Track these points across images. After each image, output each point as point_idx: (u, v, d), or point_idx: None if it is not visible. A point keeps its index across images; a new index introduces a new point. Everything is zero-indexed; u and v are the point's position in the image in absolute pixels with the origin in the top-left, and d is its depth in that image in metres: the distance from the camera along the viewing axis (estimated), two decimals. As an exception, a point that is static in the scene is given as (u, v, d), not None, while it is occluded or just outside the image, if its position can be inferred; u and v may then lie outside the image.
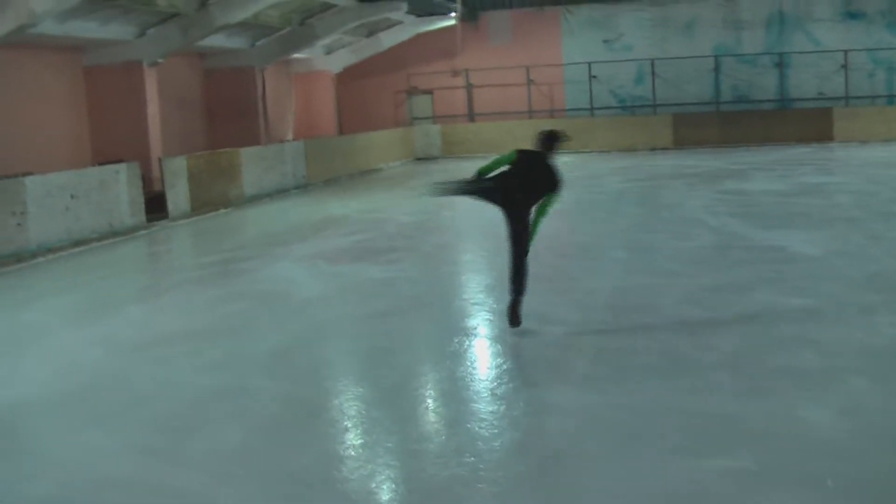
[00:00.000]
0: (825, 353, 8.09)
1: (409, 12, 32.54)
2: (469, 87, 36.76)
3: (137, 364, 8.92)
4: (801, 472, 5.64)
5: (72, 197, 16.42)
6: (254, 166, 23.01)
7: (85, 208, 16.73)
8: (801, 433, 6.26)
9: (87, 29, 21.13)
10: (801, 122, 32.33)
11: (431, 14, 34.82)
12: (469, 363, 8.51)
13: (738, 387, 7.29)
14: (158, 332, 10.18)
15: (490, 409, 7.12)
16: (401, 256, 14.45)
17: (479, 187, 9.05)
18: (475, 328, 9.74)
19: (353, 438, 6.73)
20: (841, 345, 8.37)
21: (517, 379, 7.91)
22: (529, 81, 35.85)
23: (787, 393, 7.10)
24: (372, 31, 34.78)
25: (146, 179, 19.36)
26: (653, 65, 34.91)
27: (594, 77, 35.28)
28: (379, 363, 8.59)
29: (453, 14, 35.10)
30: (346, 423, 7.07)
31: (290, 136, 32.66)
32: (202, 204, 20.42)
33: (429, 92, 37.47)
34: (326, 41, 32.40)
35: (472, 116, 36.70)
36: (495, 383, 7.77)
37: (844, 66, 33.46)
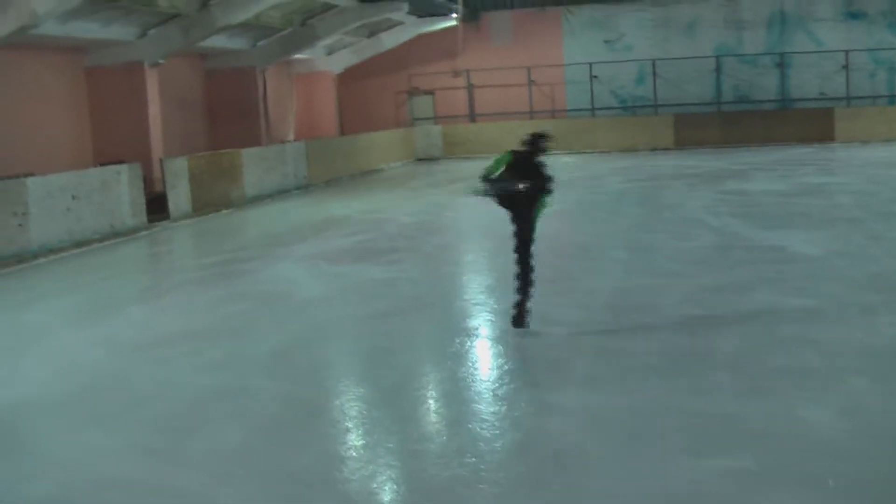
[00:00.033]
0: (826, 353, 8.10)
1: (411, 13, 32.53)
2: (470, 88, 36.75)
3: (138, 364, 8.92)
4: (802, 473, 5.65)
5: (73, 198, 16.43)
6: (255, 167, 23.01)
7: (86, 209, 16.73)
8: (801, 433, 6.26)
9: (89, 30, 21.13)
10: (802, 122, 32.32)
11: (432, 14, 34.81)
12: (470, 364, 8.51)
13: (739, 387, 7.29)
14: (159, 333, 10.19)
15: (491, 409, 7.13)
16: (402, 257, 14.45)
17: (501, 186, 9.06)
18: (476, 329, 9.74)
19: (353, 439, 6.73)
20: (841, 345, 8.37)
21: (518, 379, 7.91)
22: (531, 82, 35.85)
23: (788, 393, 7.10)
24: (373, 31, 34.78)
25: (147, 180, 19.36)
26: (654, 65, 34.90)
27: (595, 77, 35.27)
28: (380, 363, 8.59)
29: (454, 14, 35.09)
30: (346, 423, 7.08)
31: (291, 136, 32.65)
32: (203, 204, 20.42)
33: (430, 92, 37.46)
34: (328, 42, 32.40)
35: (473, 117, 36.69)
36: (496, 384, 7.78)
37: (846, 67, 33.45)
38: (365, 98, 37.46)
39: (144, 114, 22.89)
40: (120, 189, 17.71)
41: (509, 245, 9.20)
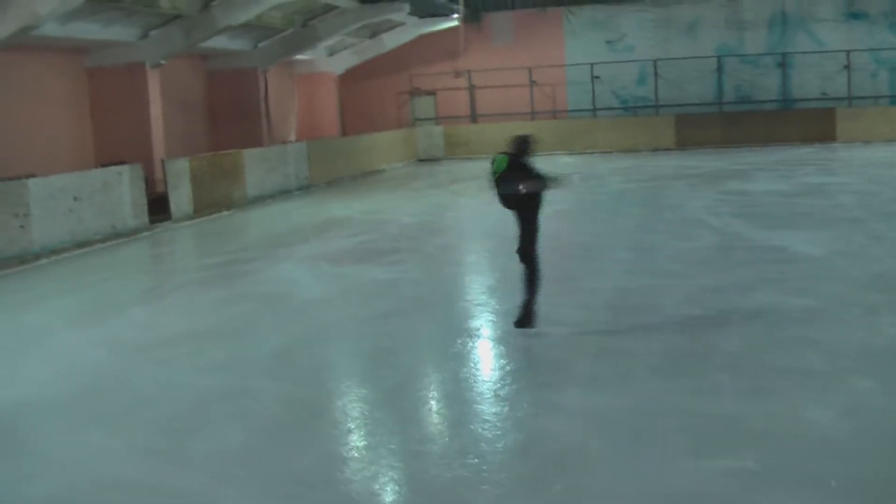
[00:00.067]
0: (827, 353, 8.10)
1: (412, 13, 32.54)
2: (472, 88, 36.75)
3: (140, 365, 8.93)
4: (804, 473, 5.65)
5: (75, 199, 16.43)
6: (256, 168, 23.02)
7: (88, 210, 16.74)
8: (803, 433, 6.26)
9: (90, 31, 21.13)
10: (803, 122, 32.30)
11: (434, 15, 34.81)
12: (472, 364, 8.51)
13: (740, 387, 7.30)
14: (161, 334, 10.19)
15: (493, 410, 7.13)
16: (404, 258, 14.45)
17: (506, 186, 9.09)
18: (478, 329, 9.75)
19: (355, 439, 6.73)
20: (843, 345, 8.37)
21: (520, 380, 7.91)
22: (532, 82, 35.83)
23: (789, 393, 7.10)
24: (374, 32, 34.78)
25: (149, 181, 19.36)
26: (655, 65, 34.88)
27: (597, 78, 35.27)
28: (382, 364, 8.59)
29: (456, 15, 35.08)
30: (348, 424, 7.08)
31: (292, 137, 32.65)
32: (205, 205, 20.42)
33: (431, 93, 37.46)
34: (329, 42, 32.40)
35: (474, 117, 36.68)
36: (499, 384, 7.78)
37: (847, 67, 33.43)
38: (366, 99, 37.47)
39: (146, 115, 22.89)
40: (121, 190, 17.72)
41: (512, 245, 9.20)
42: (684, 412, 6.81)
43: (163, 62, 23.22)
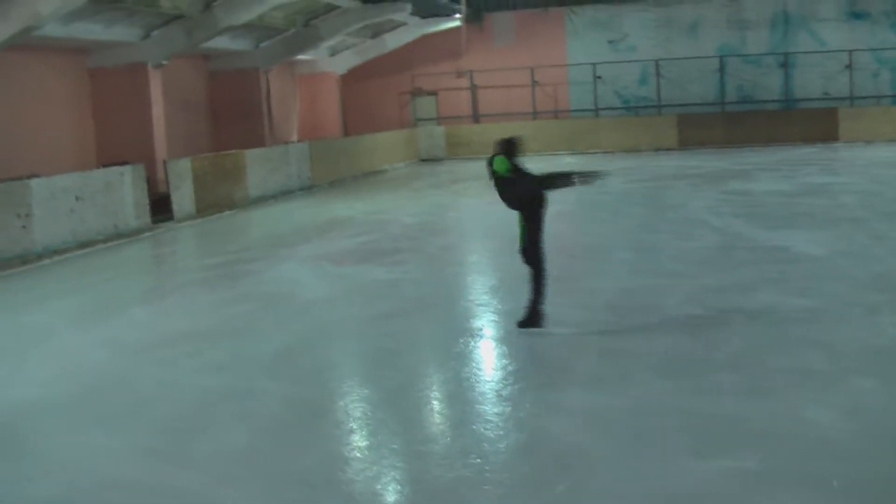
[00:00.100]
0: (829, 353, 8.09)
1: (414, 14, 32.54)
2: (473, 89, 36.75)
3: (142, 366, 8.93)
4: (805, 473, 5.64)
5: (77, 199, 16.44)
6: (258, 168, 23.03)
7: (90, 210, 16.75)
8: (804, 433, 6.26)
9: (92, 31, 21.13)
10: (805, 122, 32.29)
11: (436, 15, 34.80)
12: (474, 364, 8.51)
13: (742, 387, 7.29)
14: (163, 334, 10.20)
15: (495, 410, 7.13)
16: (405, 258, 14.45)
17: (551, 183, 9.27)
18: (480, 329, 9.75)
19: (357, 440, 6.73)
20: (845, 345, 8.36)
21: (522, 380, 7.90)
22: (534, 82, 35.83)
23: (791, 393, 7.10)
24: (376, 32, 34.79)
25: (151, 181, 19.36)
26: (657, 65, 34.89)
27: (599, 78, 35.28)
28: (384, 364, 8.59)
29: (457, 15, 35.06)
30: (350, 424, 7.08)
31: (294, 137, 32.66)
32: (207, 205, 20.43)
33: (433, 93, 37.47)
34: (331, 42, 32.40)
35: (476, 117, 36.69)
36: (501, 384, 7.78)
37: (849, 66, 33.43)
38: (368, 99, 37.49)
39: (148, 115, 22.89)
40: (123, 190, 17.73)
41: (514, 245, 9.21)
42: (686, 412, 6.81)
43: (165, 62, 23.23)
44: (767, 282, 10.98)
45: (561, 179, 9.36)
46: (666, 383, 7.49)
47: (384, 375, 8.24)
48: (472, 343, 9.15)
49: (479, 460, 6.12)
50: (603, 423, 6.75)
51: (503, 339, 9.18)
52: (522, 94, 36.01)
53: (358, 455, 6.43)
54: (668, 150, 32.74)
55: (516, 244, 9.19)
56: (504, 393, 7.53)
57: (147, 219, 18.35)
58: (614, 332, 9.15)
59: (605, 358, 8.34)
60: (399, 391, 7.73)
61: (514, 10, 36.55)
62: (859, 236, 13.74)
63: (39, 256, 15.29)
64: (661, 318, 9.58)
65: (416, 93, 37.52)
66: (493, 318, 10.15)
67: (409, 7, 30.60)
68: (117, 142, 22.50)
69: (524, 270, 9.21)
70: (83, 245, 16.34)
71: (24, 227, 15.15)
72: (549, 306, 9.18)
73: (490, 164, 9.10)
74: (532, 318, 9.10)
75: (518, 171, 9.03)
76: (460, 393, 7.65)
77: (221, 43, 25.95)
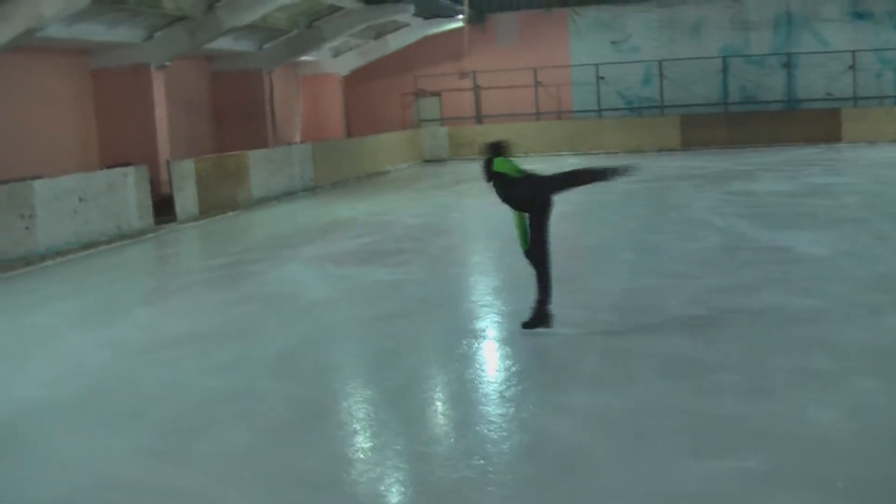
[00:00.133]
0: (832, 353, 8.07)
1: (416, 14, 32.56)
2: (476, 89, 36.76)
3: (145, 367, 8.93)
4: (808, 473, 5.63)
5: (80, 200, 16.45)
6: (261, 169, 23.03)
7: (93, 211, 16.76)
8: (807, 434, 6.25)
9: (95, 32, 21.15)
10: (808, 122, 32.27)
11: (438, 16, 34.81)
12: (477, 365, 8.51)
13: (745, 388, 7.28)
14: (166, 335, 10.20)
15: (499, 411, 7.12)
16: (408, 259, 14.45)
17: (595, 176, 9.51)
18: (483, 330, 9.75)
19: (361, 441, 6.73)
20: (848, 345, 8.35)
21: (526, 381, 7.90)
22: (537, 83, 35.83)
23: (794, 393, 7.09)
24: (379, 33, 34.81)
25: (154, 182, 19.36)
26: (660, 66, 34.89)
27: (602, 78, 35.27)
28: (386, 365, 8.59)
29: (460, 16, 35.06)
30: (354, 425, 7.08)
31: (297, 138, 32.68)
32: (210, 206, 20.44)
33: (436, 94, 37.48)
34: (334, 44, 32.43)
35: (479, 118, 36.69)
36: (504, 385, 7.77)
37: (852, 67, 33.42)
38: (371, 100, 37.51)
39: (151, 116, 22.91)
40: (126, 191, 17.74)
41: (517, 246, 9.21)
42: (689, 413, 6.80)
43: (168, 63, 23.25)
44: (770, 282, 10.97)
45: (594, 174, 9.42)
46: (669, 383, 7.48)
47: (387, 376, 8.23)
48: (476, 344, 9.14)
49: (482, 461, 6.12)
50: (606, 424, 6.74)
51: (506, 340, 9.17)
52: (525, 94, 36.01)
53: (361, 456, 6.43)
54: (671, 150, 32.73)
55: (517, 245, 9.18)
56: (507, 394, 7.53)
57: (150, 220, 18.36)
58: (617, 333, 9.14)
59: (609, 358, 8.33)
60: (402, 392, 7.72)
61: (517, 11, 36.55)
62: (862, 237, 13.73)
63: (42, 258, 15.30)
64: (664, 319, 9.58)
65: (420, 94, 37.54)
66: (496, 319, 10.15)
67: (411, 8, 30.62)
68: (120, 143, 22.52)
69: (527, 271, 9.21)
70: (86, 246, 16.35)
71: (27, 228, 15.16)
72: (553, 306, 9.17)
73: (488, 165, 9.08)
74: (538, 319, 9.08)
75: (525, 172, 9.04)
76: (463, 394, 7.65)
77: (225, 44, 25.98)
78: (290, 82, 33.13)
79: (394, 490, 5.85)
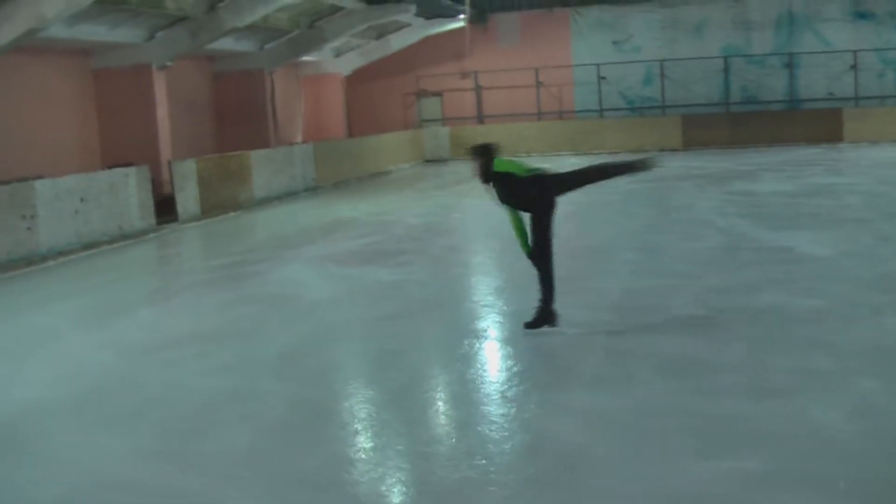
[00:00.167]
0: (835, 354, 8.06)
1: (418, 15, 32.57)
2: (478, 89, 36.77)
3: (146, 367, 8.93)
4: (810, 474, 5.63)
5: (81, 200, 16.46)
6: (263, 169, 23.03)
7: (95, 211, 16.76)
8: (810, 434, 6.24)
9: (96, 32, 21.16)
10: (810, 122, 32.27)
11: (440, 16, 34.82)
12: (479, 365, 8.51)
13: (747, 388, 7.27)
14: (167, 335, 10.20)
15: (501, 411, 7.12)
16: (410, 259, 14.44)
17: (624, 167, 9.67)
18: (485, 330, 9.74)
19: (362, 441, 6.73)
20: (850, 346, 8.34)
21: (527, 381, 7.89)
22: (538, 83, 35.84)
23: (796, 394, 7.08)
24: (381, 33, 34.82)
25: (155, 182, 19.37)
26: (662, 66, 34.90)
27: (603, 78, 35.28)
28: (388, 366, 8.59)
29: (462, 16, 35.07)
30: (355, 425, 7.07)
31: (299, 138, 32.69)
32: (212, 207, 20.45)
33: (438, 94, 37.50)
34: (335, 44, 32.43)
35: (481, 118, 36.70)
36: (506, 385, 7.77)
37: (854, 67, 33.42)
38: (373, 100, 37.51)
39: (152, 116, 22.93)
40: (128, 191, 17.75)
41: (517, 248, 9.20)
42: (691, 413, 6.80)
43: (169, 64, 23.26)
44: (772, 282, 10.96)
45: (618, 168, 9.45)
46: (671, 384, 7.47)
47: (389, 377, 8.23)
48: (477, 344, 9.14)
49: (484, 461, 6.12)
50: (608, 424, 6.74)
51: (508, 340, 9.17)
52: (527, 94, 36.03)
53: (363, 456, 6.43)
54: (672, 150, 32.70)
55: (518, 246, 9.17)
56: (509, 394, 7.52)
57: (152, 220, 18.37)
58: (619, 333, 9.14)
59: (611, 358, 8.33)
60: (404, 392, 7.72)
61: (519, 11, 36.57)
62: (864, 237, 13.72)
63: (44, 258, 15.31)
64: (666, 319, 9.57)
65: (421, 94, 37.55)
66: (498, 320, 10.15)
67: (413, 8, 30.65)
68: (122, 143, 22.55)
69: (529, 271, 9.20)
70: (88, 246, 16.35)
71: (28, 228, 15.17)
72: (556, 306, 9.16)
73: (487, 166, 9.02)
74: (542, 319, 9.07)
75: (534, 171, 9.00)
76: (465, 394, 7.65)
77: (226, 44, 25.99)
78: (292, 82, 33.14)
79: (395, 490, 5.85)
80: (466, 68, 36.86)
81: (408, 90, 37.64)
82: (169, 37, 23.03)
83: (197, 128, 27.34)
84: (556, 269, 9.09)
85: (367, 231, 17.53)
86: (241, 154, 22.55)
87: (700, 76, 34.76)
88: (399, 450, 6.47)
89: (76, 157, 22.18)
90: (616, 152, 32.49)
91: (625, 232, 15.93)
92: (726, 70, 34.55)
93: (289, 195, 23.99)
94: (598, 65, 35.20)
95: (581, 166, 9.68)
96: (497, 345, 9.17)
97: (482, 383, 7.91)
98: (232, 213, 21.01)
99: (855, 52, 33.30)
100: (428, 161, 34.44)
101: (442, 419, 7.22)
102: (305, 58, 31.64)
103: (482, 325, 10.00)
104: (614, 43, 35.71)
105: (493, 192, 9.07)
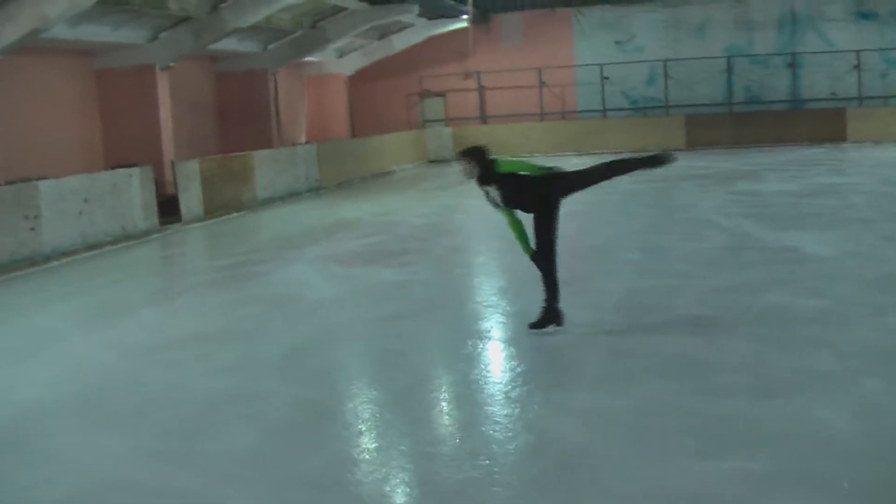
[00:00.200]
0: (839, 354, 8.05)
1: (421, 15, 32.55)
2: (481, 90, 36.77)
3: (149, 367, 8.93)
4: (814, 474, 5.62)
5: (85, 201, 16.47)
6: (266, 169, 23.04)
7: (98, 212, 16.78)
8: (813, 435, 6.23)
9: (99, 33, 21.18)
10: (813, 122, 32.23)
11: (443, 16, 34.82)
12: (483, 366, 8.50)
13: (750, 388, 7.26)
14: (171, 336, 10.20)
15: (504, 411, 7.11)
16: (413, 259, 14.44)
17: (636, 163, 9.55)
18: (489, 331, 9.73)
19: (366, 441, 6.72)
20: (853, 346, 8.33)
21: (531, 381, 7.89)
22: (541, 83, 35.84)
23: (799, 394, 7.07)
24: (383, 33, 34.81)
25: (159, 183, 19.39)
26: (665, 66, 34.88)
27: (606, 78, 35.26)
28: (392, 366, 8.58)
29: (465, 16, 35.09)
30: (359, 425, 7.07)
31: (302, 138, 32.69)
32: (215, 207, 20.46)
33: (441, 94, 37.49)
34: (338, 44, 32.44)
35: (484, 118, 36.70)
36: (509, 386, 7.76)
37: (857, 67, 33.38)
38: (376, 100, 37.52)
39: (155, 117, 22.94)
40: (131, 192, 17.76)
41: (519, 249, 9.20)
42: (693, 413, 6.79)
43: (172, 64, 23.27)
44: (776, 282, 10.95)
45: (633, 163, 9.44)
46: (674, 384, 7.47)
47: (392, 377, 8.23)
48: (481, 344, 9.14)
49: (487, 462, 6.11)
50: (611, 425, 6.73)
51: (511, 341, 9.16)
52: (530, 94, 36.03)
53: (366, 457, 6.42)
54: (675, 150, 32.42)
55: (518, 247, 9.16)
56: (512, 394, 7.52)
57: (155, 220, 18.38)
58: (623, 333, 9.14)
59: (614, 358, 8.33)
60: (407, 392, 7.72)
61: (522, 11, 36.55)
62: (868, 237, 13.71)
63: (48, 258, 15.32)
64: (669, 319, 9.56)
65: (424, 94, 37.55)
66: (501, 320, 10.15)
67: (416, 8, 30.63)
68: (125, 144, 22.56)
69: (532, 272, 9.19)
70: (91, 247, 16.37)
71: (32, 228, 15.18)
72: (560, 306, 9.15)
73: (488, 169, 9.00)
74: (546, 319, 9.06)
75: (547, 170, 8.97)
76: (469, 394, 7.65)
77: (229, 45, 26.00)
78: (295, 83, 33.15)
79: (399, 490, 5.85)
80: (469, 68, 36.87)
81: (411, 90, 37.64)
82: (172, 37, 23.04)
83: (200, 128, 27.36)
84: (561, 269, 9.08)
85: (371, 231, 17.53)
86: (244, 154, 22.56)
87: (703, 76, 34.74)
88: (402, 450, 6.47)
89: (79, 157, 22.20)
90: (619, 152, 32.35)
91: (628, 232, 15.92)
92: (729, 70, 34.52)
93: (292, 195, 23.99)
94: (601, 65, 35.19)
95: (590, 164, 9.64)
96: (500, 345, 9.17)
97: (486, 384, 7.91)
98: (235, 214, 21.02)
99: (858, 52, 33.25)
100: (431, 161, 34.43)
101: (445, 419, 7.22)
102: (308, 58, 31.66)
103: (485, 325, 10.00)
104: (617, 43, 35.70)
105: (495, 193, 9.04)
